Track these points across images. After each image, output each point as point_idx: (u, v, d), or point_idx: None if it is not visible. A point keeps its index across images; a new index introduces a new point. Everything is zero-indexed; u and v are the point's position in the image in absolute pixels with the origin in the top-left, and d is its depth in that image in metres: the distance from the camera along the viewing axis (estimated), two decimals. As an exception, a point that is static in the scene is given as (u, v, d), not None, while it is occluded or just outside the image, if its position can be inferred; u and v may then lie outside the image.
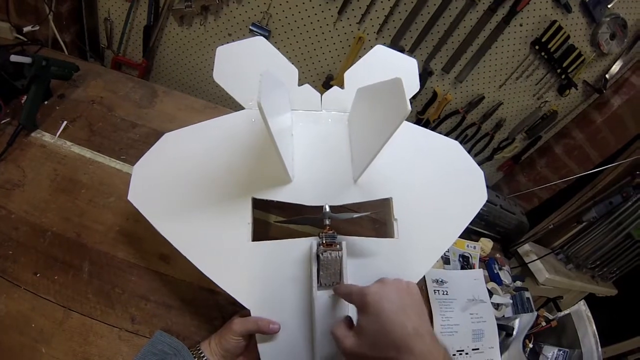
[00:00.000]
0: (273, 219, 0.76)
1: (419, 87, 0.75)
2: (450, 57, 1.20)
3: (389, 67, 0.74)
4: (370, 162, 0.55)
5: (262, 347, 0.53)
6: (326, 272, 0.53)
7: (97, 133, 0.83)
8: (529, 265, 1.41)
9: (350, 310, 0.53)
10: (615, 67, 1.27)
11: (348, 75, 0.71)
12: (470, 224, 0.65)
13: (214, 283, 0.54)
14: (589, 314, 0.95)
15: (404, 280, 0.48)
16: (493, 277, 1.07)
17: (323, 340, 0.52)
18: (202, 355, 0.54)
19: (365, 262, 0.58)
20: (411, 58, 0.76)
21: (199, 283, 0.67)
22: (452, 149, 0.70)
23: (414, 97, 0.82)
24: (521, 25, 1.14)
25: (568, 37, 1.16)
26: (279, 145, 0.51)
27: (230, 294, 0.54)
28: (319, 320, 0.53)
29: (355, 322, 0.48)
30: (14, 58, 0.77)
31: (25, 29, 1.04)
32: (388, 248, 0.60)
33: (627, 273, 1.63)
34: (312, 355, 0.54)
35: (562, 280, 1.45)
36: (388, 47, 0.75)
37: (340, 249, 0.54)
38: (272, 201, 0.59)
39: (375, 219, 0.81)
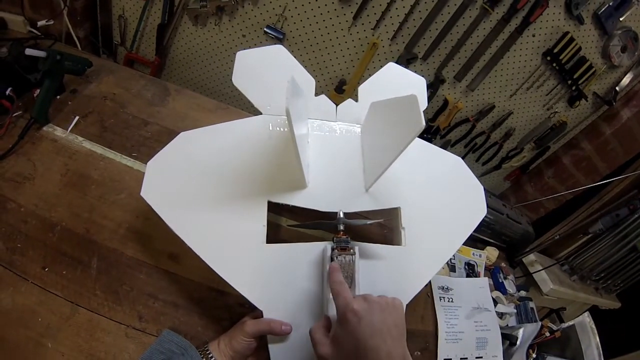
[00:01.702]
0: (284, 222, 0.76)
1: (427, 104, 0.79)
2: (463, 66, 1.20)
3: (400, 84, 0.78)
4: (383, 173, 0.57)
5: (273, 348, 0.53)
6: (339, 275, 0.54)
7: (108, 129, 0.83)
8: (533, 275, 1.40)
9: None
10: (626, 80, 1.27)
11: (362, 89, 0.75)
12: (477, 232, 0.67)
13: (224, 283, 0.54)
14: (593, 326, 0.95)
15: (389, 298, 0.49)
16: (498, 286, 1.07)
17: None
18: (210, 355, 0.54)
19: (374, 266, 0.60)
20: (420, 77, 0.80)
21: (208, 283, 0.67)
22: (455, 164, 0.75)
23: (424, 110, 0.86)
24: (534, 35, 1.15)
25: (580, 48, 1.16)
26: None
27: (243, 294, 0.54)
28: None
29: (333, 323, 0.49)
30: (28, 52, 0.76)
31: (40, 23, 1.04)
32: (396, 255, 0.62)
33: (631, 286, 1.61)
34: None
35: (566, 291, 1.44)
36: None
37: (354, 254, 0.55)
38: (287, 205, 0.59)
39: (384, 224, 0.82)
